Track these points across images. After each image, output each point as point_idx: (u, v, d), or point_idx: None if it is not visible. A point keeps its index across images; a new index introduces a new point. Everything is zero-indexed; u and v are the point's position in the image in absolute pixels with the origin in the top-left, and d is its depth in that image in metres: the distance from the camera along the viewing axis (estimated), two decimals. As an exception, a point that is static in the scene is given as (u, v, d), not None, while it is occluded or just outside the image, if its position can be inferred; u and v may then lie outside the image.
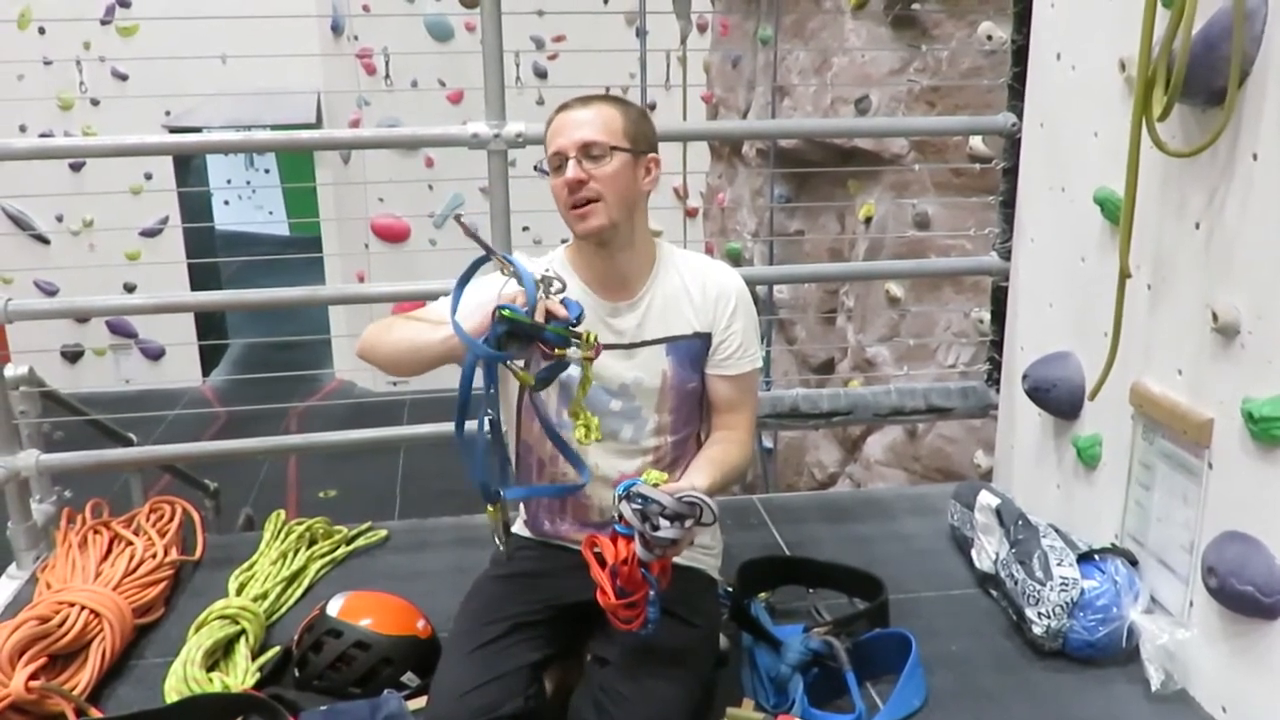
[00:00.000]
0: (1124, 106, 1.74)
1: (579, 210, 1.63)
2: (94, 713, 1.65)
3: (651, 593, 1.46)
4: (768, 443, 4.57)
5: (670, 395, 1.73)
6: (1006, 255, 2.38)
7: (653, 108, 6.12)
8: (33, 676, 1.63)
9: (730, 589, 1.88)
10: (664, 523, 1.41)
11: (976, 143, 3.24)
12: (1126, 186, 1.65)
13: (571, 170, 1.61)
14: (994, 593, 1.99)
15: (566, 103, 1.67)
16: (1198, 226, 1.63)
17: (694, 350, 1.74)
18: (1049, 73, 2.09)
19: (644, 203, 1.70)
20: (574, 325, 1.49)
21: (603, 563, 1.46)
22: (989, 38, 3.17)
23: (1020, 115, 2.26)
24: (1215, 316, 1.57)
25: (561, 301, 1.50)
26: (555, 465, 1.77)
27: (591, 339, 1.52)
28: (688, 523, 1.43)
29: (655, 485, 1.45)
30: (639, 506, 1.42)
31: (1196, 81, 1.52)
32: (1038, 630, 1.78)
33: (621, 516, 1.44)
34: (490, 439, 1.59)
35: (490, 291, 1.68)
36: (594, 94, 1.68)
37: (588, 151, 1.61)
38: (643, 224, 1.72)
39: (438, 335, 1.62)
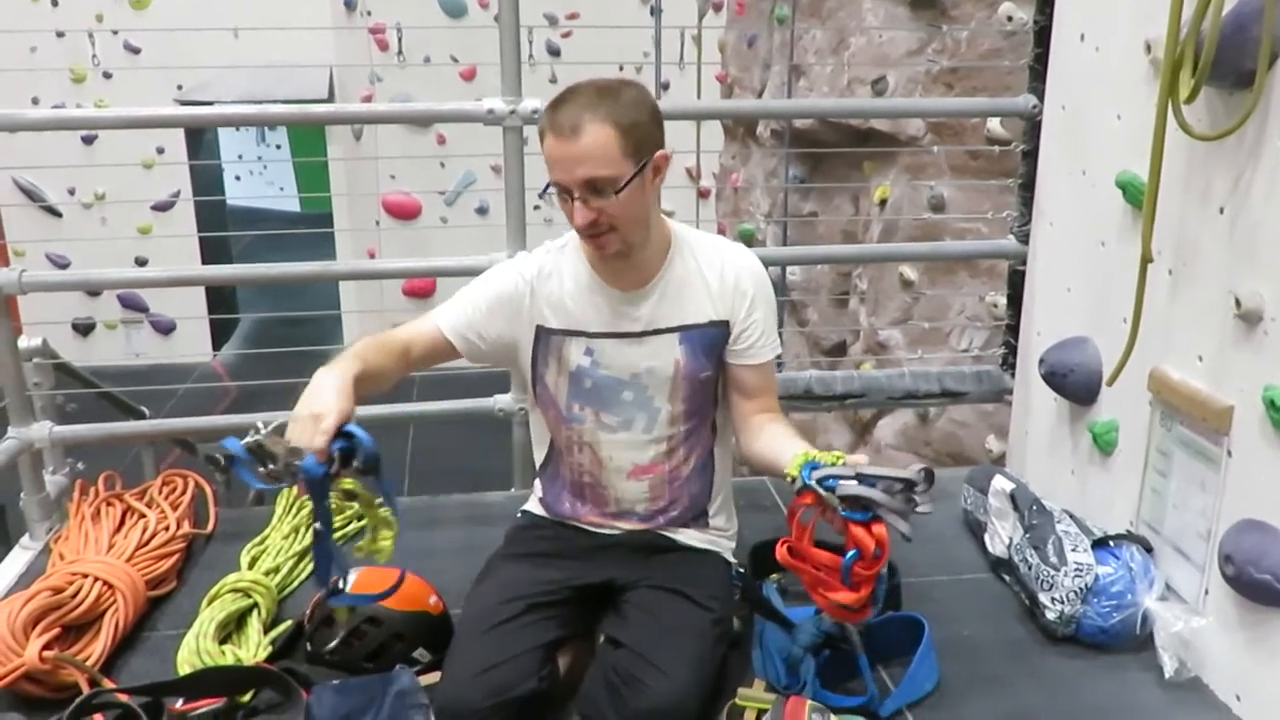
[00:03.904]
0: (1149, 89, 1.72)
1: (594, 241, 1.59)
2: (107, 683, 1.66)
3: (884, 570, 1.36)
4: (778, 425, 4.55)
5: (683, 384, 1.71)
6: (1024, 239, 2.36)
7: (666, 87, 6.09)
8: (46, 647, 1.63)
9: (742, 570, 1.88)
10: (919, 496, 1.31)
11: (994, 125, 3.21)
12: (1150, 170, 1.63)
13: (580, 214, 1.54)
14: (1007, 578, 1.98)
15: (557, 118, 1.52)
16: (1222, 211, 1.60)
17: (709, 338, 1.70)
18: (1072, 54, 2.06)
19: (657, 197, 1.66)
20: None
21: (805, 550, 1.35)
22: (1009, 19, 3.14)
23: (1041, 97, 2.24)
24: (1238, 303, 1.56)
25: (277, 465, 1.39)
26: (572, 454, 1.77)
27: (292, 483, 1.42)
28: (922, 488, 1.33)
29: (836, 463, 1.34)
30: (880, 487, 1.29)
31: (1225, 63, 1.50)
32: (1051, 615, 1.78)
33: (848, 499, 1.30)
34: (319, 545, 1.50)
35: (503, 284, 1.70)
36: (582, 100, 1.53)
37: (592, 187, 1.53)
38: (656, 216, 1.68)
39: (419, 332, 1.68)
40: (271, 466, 1.39)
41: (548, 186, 1.58)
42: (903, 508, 1.29)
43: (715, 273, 1.70)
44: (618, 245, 1.59)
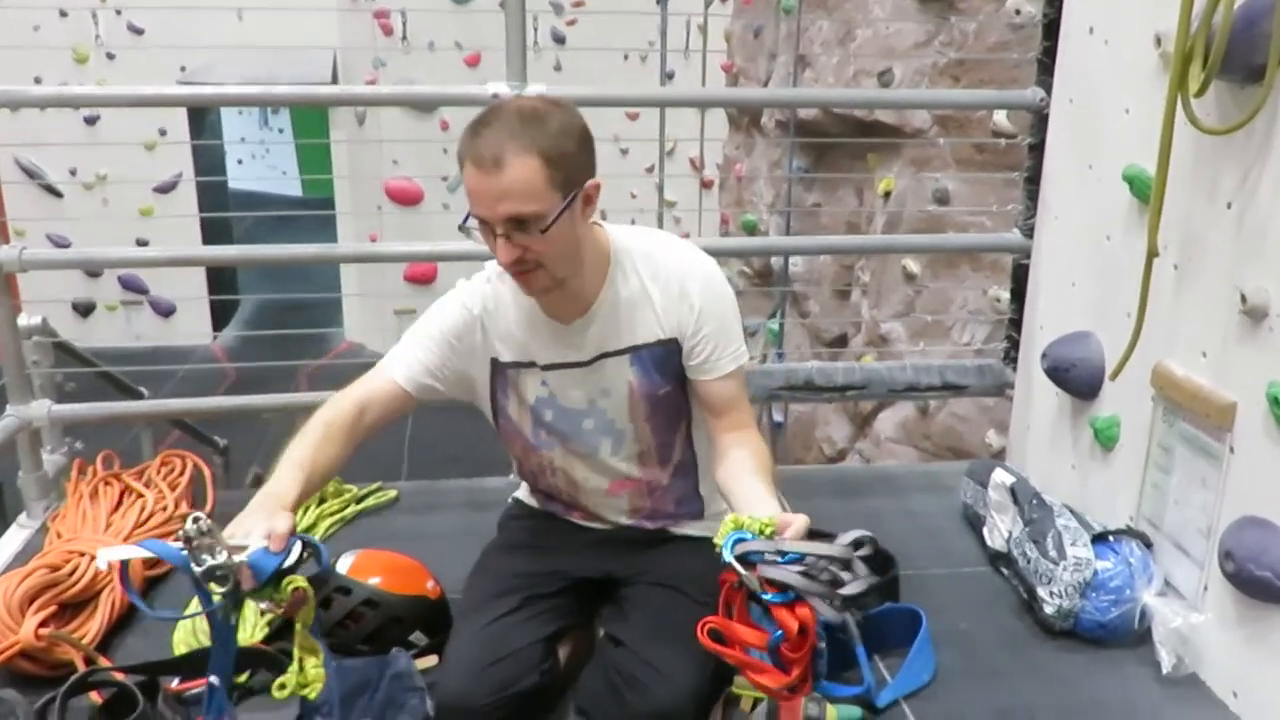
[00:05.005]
0: (1158, 82, 1.70)
1: (520, 278, 1.49)
2: (103, 662, 1.66)
3: (822, 645, 1.28)
4: (778, 416, 4.56)
5: (642, 404, 1.63)
6: (1029, 233, 2.35)
7: (671, 76, 6.07)
8: (42, 624, 1.63)
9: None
10: (845, 575, 1.23)
11: (1000, 118, 3.20)
12: (1159, 163, 1.62)
13: (504, 252, 1.42)
14: (1005, 571, 1.98)
15: (476, 146, 1.39)
16: (1229, 206, 1.60)
17: (659, 356, 1.60)
18: (1081, 47, 2.05)
19: (589, 224, 1.54)
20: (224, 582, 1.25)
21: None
22: (1017, 11, 3.12)
23: (1049, 90, 2.23)
24: (1244, 299, 1.55)
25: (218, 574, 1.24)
26: (546, 477, 1.75)
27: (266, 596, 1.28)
28: (860, 567, 1.25)
29: (764, 533, 1.25)
30: (803, 568, 1.21)
31: (1235, 57, 1.49)
32: (1049, 610, 1.77)
33: (771, 583, 1.22)
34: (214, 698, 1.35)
35: (453, 321, 1.61)
36: (504, 127, 1.40)
37: (516, 224, 1.41)
38: (589, 241, 1.55)
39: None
40: (210, 562, 1.22)
41: (467, 219, 1.46)
42: (824, 591, 1.21)
43: (660, 287, 1.58)
44: (545, 282, 1.49)
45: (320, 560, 1.33)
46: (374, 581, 1.73)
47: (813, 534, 1.31)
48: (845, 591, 1.22)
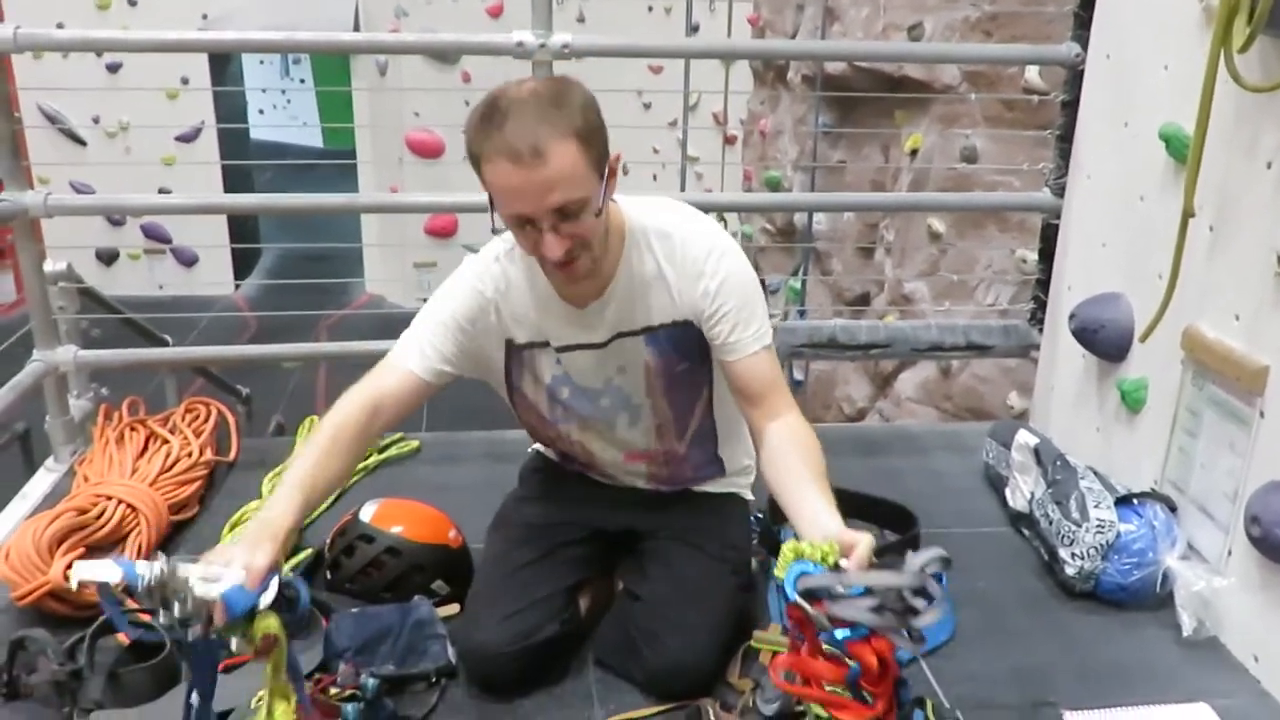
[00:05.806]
0: (1200, 37, 1.67)
1: (567, 269, 1.41)
2: (130, 604, 1.67)
3: (903, 674, 1.23)
4: (798, 375, 4.55)
5: (658, 381, 1.59)
6: (1060, 192, 2.32)
7: (696, 29, 5.99)
8: (71, 565, 1.65)
9: (760, 515, 1.88)
10: (920, 603, 1.13)
11: (1032, 75, 3.14)
12: (1198, 121, 1.58)
13: (553, 246, 1.34)
14: (1026, 532, 1.98)
15: (508, 140, 1.29)
16: (1269, 166, 1.56)
17: (676, 336, 1.55)
18: (1120, 1, 2.00)
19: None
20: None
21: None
22: (1054, -35, 3.05)
23: (1085, 46, 2.18)
24: (1280, 261, 1.52)
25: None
26: (563, 446, 1.74)
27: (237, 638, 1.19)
28: (934, 589, 1.14)
29: (827, 560, 1.18)
30: (877, 602, 1.13)
31: (1282, 12, 1.45)
32: (1070, 571, 1.77)
33: (838, 619, 1.15)
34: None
35: (466, 305, 1.54)
36: (532, 112, 1.31)
37: (563, 213, 1.34)
38: (609, 217, 1.48)
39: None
40: (177, 614, 1.16)
41: (494, 217, 1.37)
42: (896, 625, 1.12)
43: (675, 268, 1.51)
44: (588, 266, 1.43)
45: (299, 602, 1.26)
46: (396, 530, 1.74)
47: (879, 551, 1.25)
48: (920, 622, 1.13)
